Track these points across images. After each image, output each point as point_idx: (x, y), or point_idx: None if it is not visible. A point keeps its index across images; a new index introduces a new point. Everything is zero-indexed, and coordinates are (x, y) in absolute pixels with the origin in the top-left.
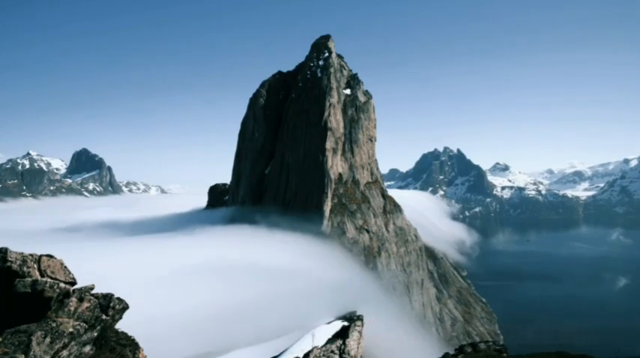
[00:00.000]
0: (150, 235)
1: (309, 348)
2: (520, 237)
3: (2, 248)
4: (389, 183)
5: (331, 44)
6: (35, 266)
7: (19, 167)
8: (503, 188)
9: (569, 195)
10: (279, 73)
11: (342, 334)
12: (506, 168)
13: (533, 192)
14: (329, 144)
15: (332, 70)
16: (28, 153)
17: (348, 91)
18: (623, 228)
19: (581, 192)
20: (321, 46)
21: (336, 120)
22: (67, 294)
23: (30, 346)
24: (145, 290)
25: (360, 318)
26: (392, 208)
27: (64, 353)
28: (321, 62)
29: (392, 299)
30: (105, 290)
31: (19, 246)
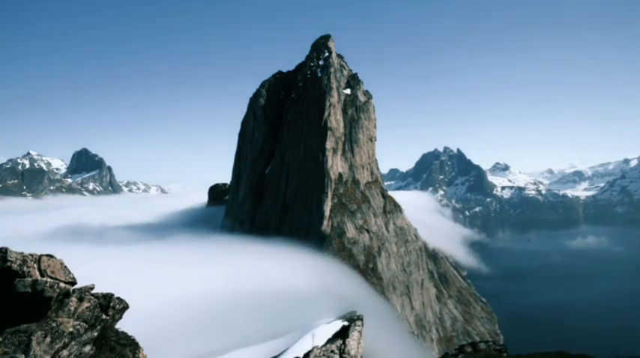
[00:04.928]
0: (150, 237)
1: (309, 348)
2: (520, 236)
3: (2, 248)
4: (389, 182)
5: (331, 44)
6: (35, 266)
7: (19, 167)
8: (503, 188)
9: (569, 195)
10: (279, 72)
11: (342, 334)
12: (506, 168)
13: (533, 192)
14: (329, 144)
15: (332, 69)
16: (28, 153)
17: (348, 91)
18: (623, 227)
19: (581, 191)
20: (321, 45)
21: (336, 120)
22: (67, 294)
23: (30, 346)
24: (144, 290)
25: (360, 318)
26: (392, 208)
27: (64, 352)
28: (321, 62)
29: (390, 300)
30: (105, 290)
31: (21, 247)
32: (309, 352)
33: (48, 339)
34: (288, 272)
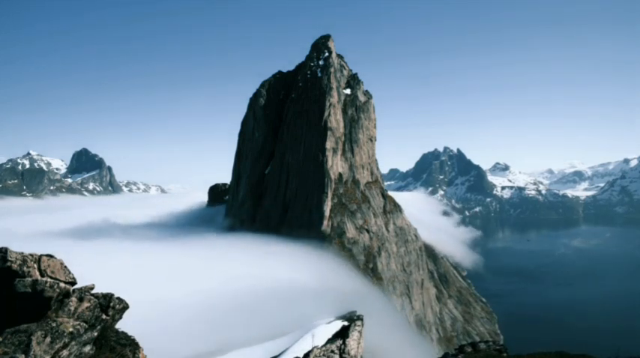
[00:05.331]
0: (150, 237)
1: (309, 348)
2: (520, 236)
3: (2, 248)
4: (389, 182)
5: (331, 44)
6: (35, 266)
7: (19, 167)
8: (503, 188)
9: (569, 195)
10: (279, 72)
11: (342, 334)
12: (506, 168)
13: (533, 192)
14: (329, 144)
15: (332, 69)
16: (28, 153)
17: (348, 91)
18: (623, 227)
19: (581, 191)
20: (321, 45)
21: (336, 120)
22: (67, 294)
23: (30, 346)
24: (145, 290)
25: (360, 318)
26: (392, 208)
27: (64, 352)
28: (321, 62)
29: (390, 300)
30: (105, 290)
31: (23, 247)
32: (309, 352)
33: (48, 339)
34: (288, 272)
